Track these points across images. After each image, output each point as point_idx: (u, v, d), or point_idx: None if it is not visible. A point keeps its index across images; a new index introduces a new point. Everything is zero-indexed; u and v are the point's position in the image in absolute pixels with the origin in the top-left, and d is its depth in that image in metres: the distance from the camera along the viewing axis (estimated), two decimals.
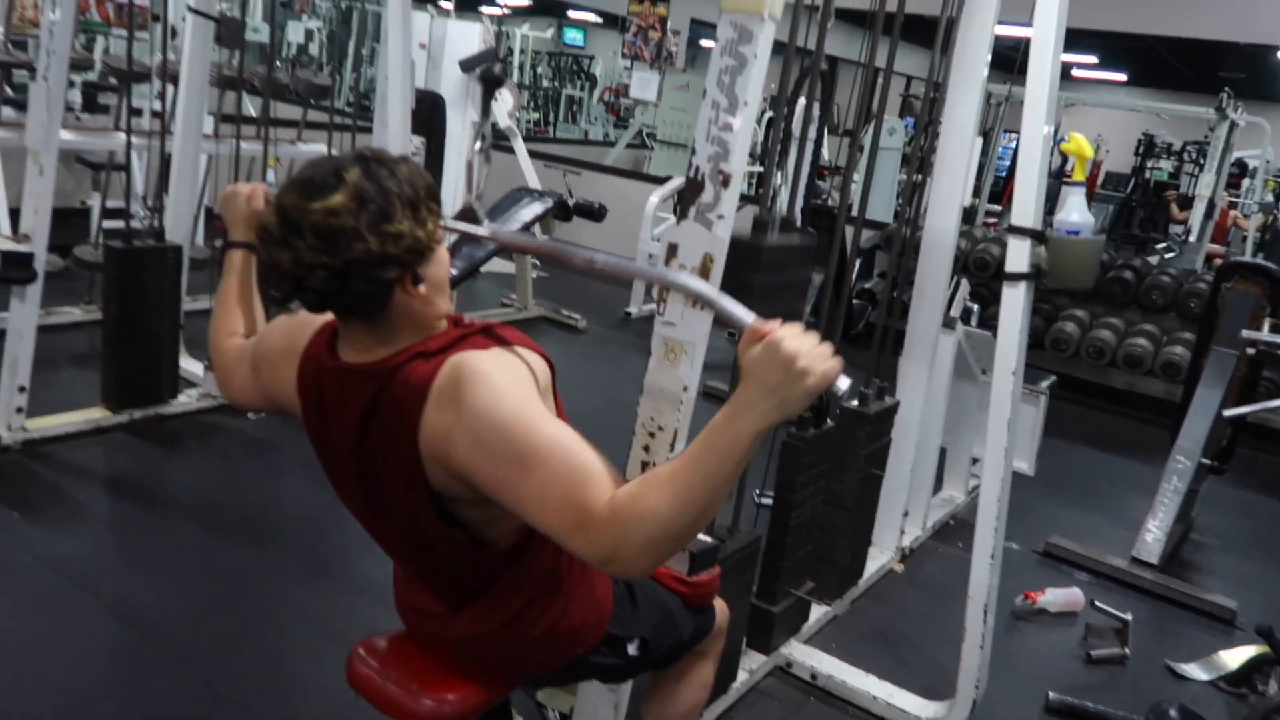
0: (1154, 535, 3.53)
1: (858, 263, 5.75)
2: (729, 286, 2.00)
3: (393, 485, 1.31)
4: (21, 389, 3.17)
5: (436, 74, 6.46)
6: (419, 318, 1.28)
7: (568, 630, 1.46)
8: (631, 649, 1.56)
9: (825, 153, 7.99)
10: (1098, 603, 3.11)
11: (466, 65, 6.28)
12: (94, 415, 3.44)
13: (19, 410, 3.19)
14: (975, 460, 4.10)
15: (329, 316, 1.33)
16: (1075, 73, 11.41)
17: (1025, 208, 2.22)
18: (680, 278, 1.25)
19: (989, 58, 2.90)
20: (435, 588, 1.44)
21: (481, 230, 1.47)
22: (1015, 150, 7.91)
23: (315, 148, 4.99)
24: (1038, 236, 2.21)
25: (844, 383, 1.13)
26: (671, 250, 1.91)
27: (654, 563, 1.13)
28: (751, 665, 2.55)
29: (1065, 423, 4.85)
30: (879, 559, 3.27)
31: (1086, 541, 3.67)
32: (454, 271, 5.13)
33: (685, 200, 1.89)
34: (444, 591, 1.44)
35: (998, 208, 8.27)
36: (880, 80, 2.85)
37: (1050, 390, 4.06)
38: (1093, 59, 10.61)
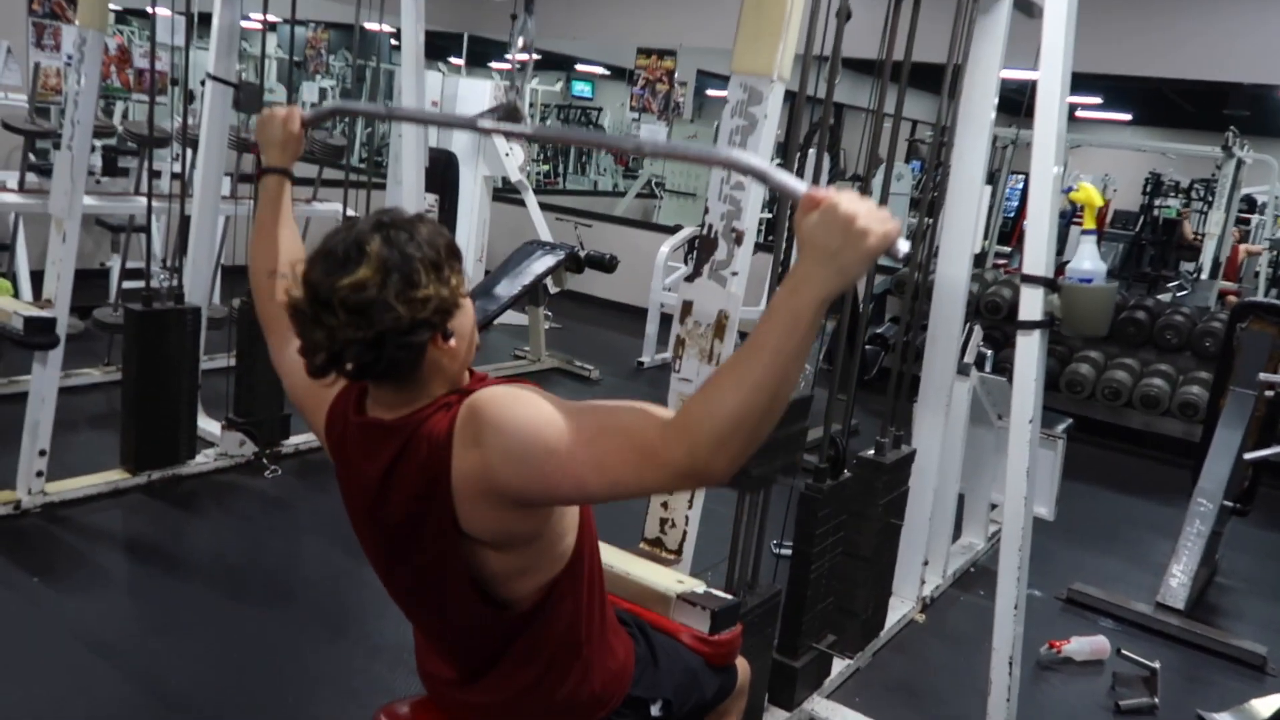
0: (1179, 580, 3.49)
1: (869, 308, 5.78)
2: None
3: (415, 539, 1.31)
4: (42, 453, 3.20)
5: (448, 131, 6.57)
6: (447, 371, 1.29)
7: (589, 697, 1.45)
8: (654, 710, 1.55)
9: None
10: (1124, 651, 3.06)
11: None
12: (113, 477, 3.46)
13: (39, 474, 3.21)
14: (994, 506, 4.08)
15: None
16: (1080, 113, 11.48)
17: (1037, 256, 2.23)
18: (731, 153, 1.21)
19: (995, 103, 2.94)
20: (451, 653, 1.44)
21: (524, 128, 1.52)
22: (1024, 191, 7.92)
23: (331, 206, 5.07)
24: (1050, 285, 2.22)
25: (904, 245, 1.07)
26: (686, 307, 1.93)
27: (732, 460, 1.07)
28: None
29: (1083, 465, 4.82)
30: (900, 609, 3.24)
31: (1110, 587, 3.63)
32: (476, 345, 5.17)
33: (699, 258, 1.92)
34: (460, 658, 1.43)
35: (1007, 249, 8.30)
36: (888, 126, 2.88)
37: (1067, 433, 4.04)
38: (1097, 100, 10.68)
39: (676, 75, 7.64)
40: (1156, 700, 2.90)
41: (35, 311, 2.97)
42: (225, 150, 3.88)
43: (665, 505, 1.95)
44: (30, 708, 2.29)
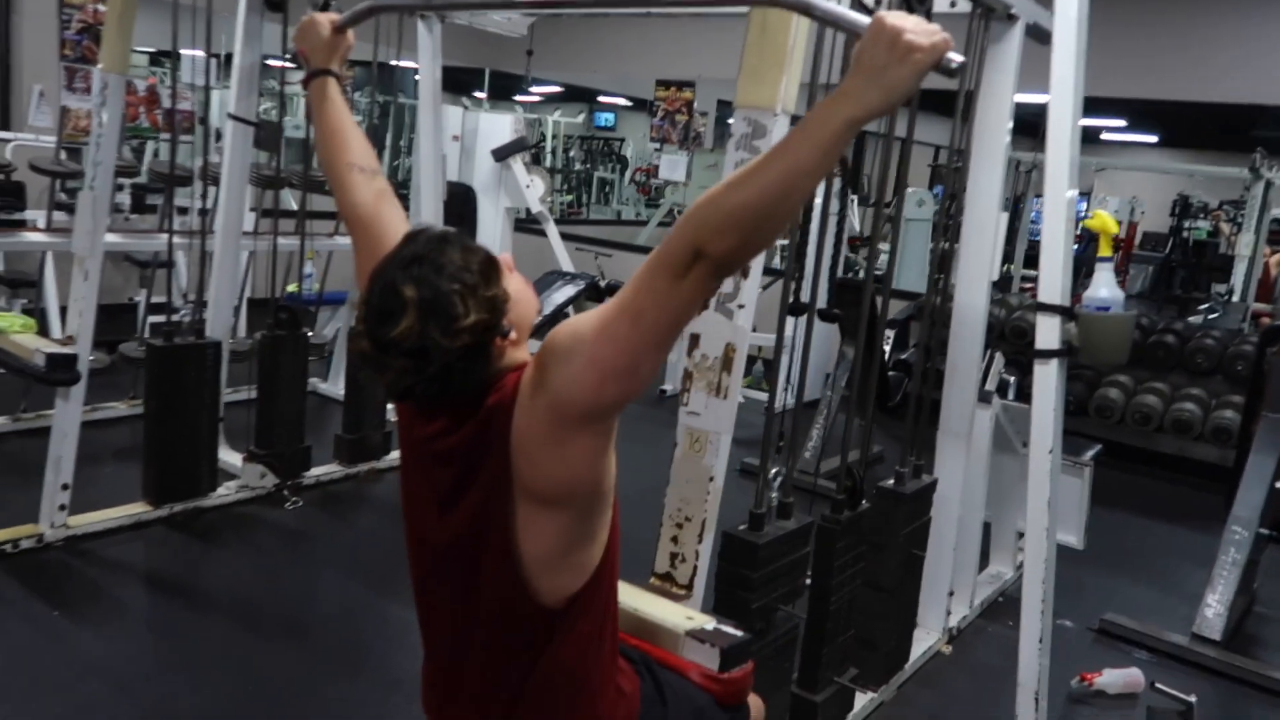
0: (1214, 610, 3.39)
1: (892, 334, 5.73)
2: (725, 579, 2.07)
3: (463, 496, 1.32)
4: (65, 486, 3.23)
5: (470, 164, 6.63)
6: (512, 355, 1.32)
7: None
8: None
9: (856, 223, 8.04)
10: (1159, 684, 2.98)
11: (498, 154, 6.44)
12: (135, 510, 3.48)
13: (61, 508, 3.24)
14: (1022, 535, 4.00)
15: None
16: (1105, 136, 11.40)
17: (1052, 284, 2.20)
18: None
19: (1010, 127, 2.92)
20: (458, 669, 1.41)
21: None
22: None
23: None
24: (1067, 313, 2.19)
25: (956, 56, 1.05)
26: (694, 340, 1.91)
27: (732, 248, 1.08)
28: None
29: (1114, 492, 4.72)
30: (925, 641, 3.17)
31: (1143, 617, 3.54)
32: (538, 319, 5.18)
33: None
34: (470, 675, 1.41)
35: (1034, 272, 8.21)
36: (902, 152, 2.86)
37: (1096, 459, 3.97)
38: (1122, 122, 10.60)
39: (696, 105, 7.68)
40: None
41: (57, 348, 3.01)
42: (246, 187, 3.93)
43: (675, 540, 1.92)
44: None
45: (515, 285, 1.34)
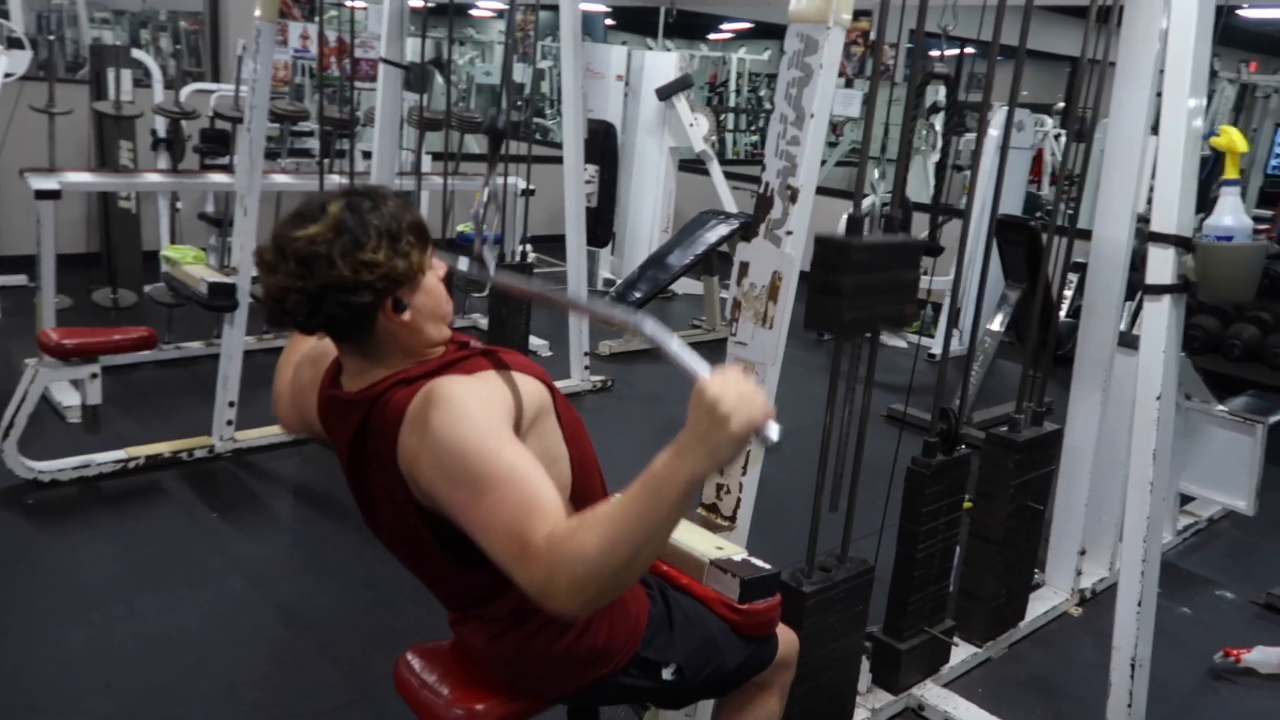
0: None
1: (1075, 279, 5.31)
2: (817, 288, 1.92)
3: (386, 506, 1.37)
4: (231, 404, 3.58)
5: (636, 103, 6.66)
6: (406, 345, 1.34)
7: (588, 650, 1.45)
8: (666, 674, 1.53)
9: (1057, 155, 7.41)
10: None
11: (662, 93, 6.43)
12: None
13: (229, 423, 3.60)
14: (1187, 499, 3.67)
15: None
16: None
17: (1167, 210, 1.97)
18: (642, 322, 1.23)
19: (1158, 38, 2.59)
20: (448, 603, 1.49)
21: (479, 275, 1.49)
22: None
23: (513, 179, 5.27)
24: (1183, 244, 1.96)
25: (774, 430, 1.08)
26: (743, 269, 1.87)
27: (585, 603, 1.12)
28: (875, 704, 2.41)
29: None
30: (1050, 600, 2.99)
31: None
32: (639, 294, 5.24)
33: (756, 217, 1.85)
34: (455, 606, 1.48)
35: (1268, 212, 7.32)
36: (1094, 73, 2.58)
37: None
38: None
39: (885, 36, 7.31)
40: None
41: (218, 277, 3.32)
42: (397, 128, 4.14)
43: (721, 472, 1.90)
44: (184, 630, 2.59)
45: (434, 279, 1.35)
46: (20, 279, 5.38)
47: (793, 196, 1.78)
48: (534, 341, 5.03)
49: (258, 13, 3.36)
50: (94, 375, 3.16)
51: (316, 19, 4.97)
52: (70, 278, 5.20)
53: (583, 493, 1.43)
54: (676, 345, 1.19)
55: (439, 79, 7.11)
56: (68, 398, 3.74)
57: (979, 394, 4.51)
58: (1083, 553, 3.02)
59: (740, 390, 1.07)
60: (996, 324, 4.68)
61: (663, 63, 6.57)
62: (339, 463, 1.45)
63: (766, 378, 1.83)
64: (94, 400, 3.18)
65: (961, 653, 2.66)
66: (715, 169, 6.51)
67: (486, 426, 1.21)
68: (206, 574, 2.87)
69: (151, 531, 3.09)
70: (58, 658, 2.42)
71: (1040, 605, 2.95)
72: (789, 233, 1.78)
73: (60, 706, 2.25)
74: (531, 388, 1.35)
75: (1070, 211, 2.93)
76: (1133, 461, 2.08)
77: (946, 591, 2.54)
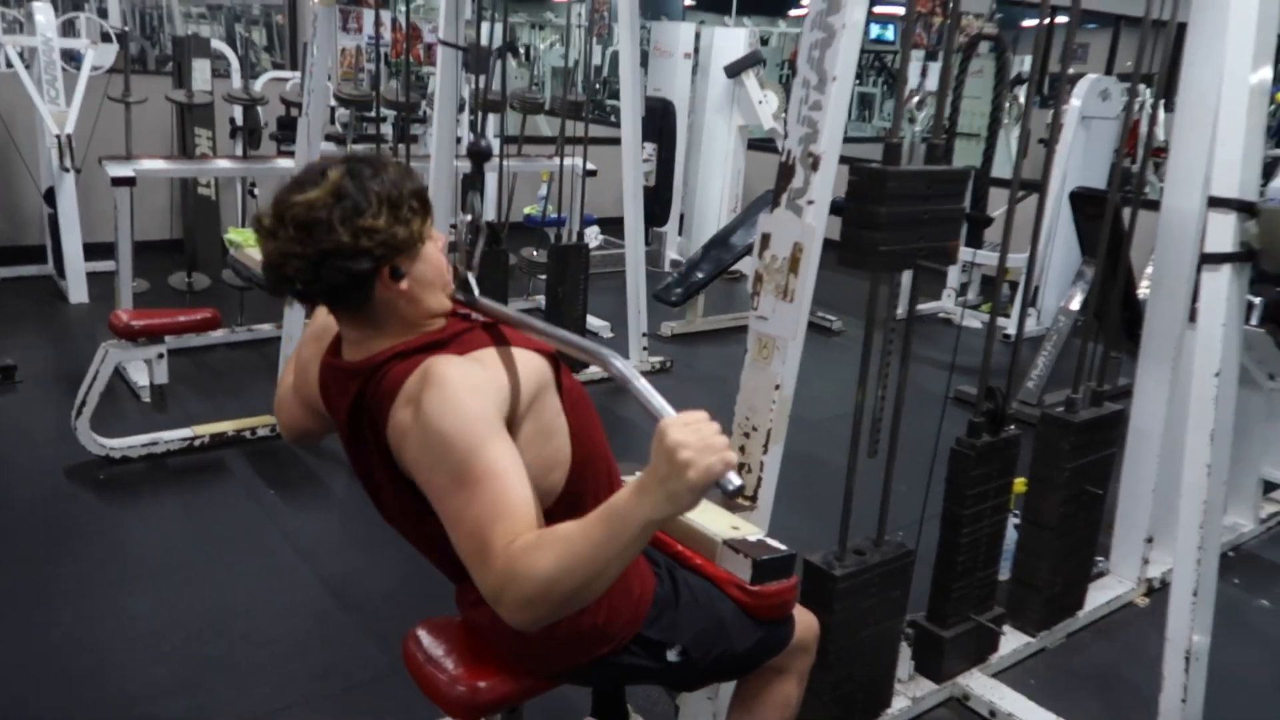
0: None
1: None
2: (851, 220, 1.82)
3: (382, 477, 1.37)
4: None
5: (704, 81, 6.58)
6: (405, 315, 1.32)
7: (590, 627, 1.43)
8: (671, 655, 1.50)
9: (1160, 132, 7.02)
10: None
11: (731, 70, 6.34)
12: None
13: None
14: (1272, 486, 3.47)
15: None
16: None
17: (1229, 173, 1.84)
18: (610, 358, 1.21)
19: None
20: (449, 574, 1.48)
21: (466, 301, 1.43)
22: None
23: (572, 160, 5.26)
24: (1246, 209, 1.82)
25: (733, 478, 1.05)
26: (765, 240, 1.81)
27: (533, 620, 1.13)
28: (917, 692, 2.33)
29: None
30: (1113, 590, 2.86)
31: None
32: (701, 274, 5.18)
33: (778, 187, 1.79)
34: (456, 578, 1.47)
35: None
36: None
37: None
38: None
39: (974, 7, 7.08)
40: None
41: None
42: (455, 109, 4.15)
43: (742, 450, 1.85)
44: (234, 599, 2.66)
45: (433, 249, 1.33)
46: (109, 265, 5.60)
47: (814, 164, 1.72)
48: (594, 322, 5.03)
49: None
50: (160, 355, 3.27)
51: (390, 6, 5.05)
52: (153, 263, 5.41)
53: (583, 465, 1.40)
54: (642, 384, 1.16)
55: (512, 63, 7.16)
56: (142, 377, 3.89)
57: (1050, 375, 4.35)
58: (1150, 540, 2.88)
59: (702, 437, 1.05)
60: (1075, 303, 4.50)
61: (732, 39, 6.47)
62: (339, 432, 1.45)
63: (788, 354, 1.77)
64: (160, 379, 3.29)
65: (1013, 642, 2.56)
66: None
67: (475, 417, 1.19)
68: (261, 548, 2.95)
69: (212, 507, 3.19)
70: (120, 625, 2.52)
71: (1102, 594, 2.82)
72: (810, 202, 1.73)
73: (119, 673, 2.34)
74: (532, 363, 1.32)
75: (1162, 185, 2.78)
76: (1189, 442, 1.96)
77: (995, 578, 2.45)
